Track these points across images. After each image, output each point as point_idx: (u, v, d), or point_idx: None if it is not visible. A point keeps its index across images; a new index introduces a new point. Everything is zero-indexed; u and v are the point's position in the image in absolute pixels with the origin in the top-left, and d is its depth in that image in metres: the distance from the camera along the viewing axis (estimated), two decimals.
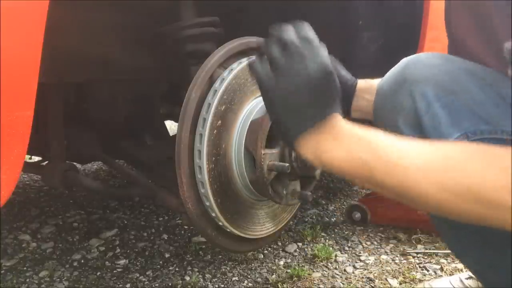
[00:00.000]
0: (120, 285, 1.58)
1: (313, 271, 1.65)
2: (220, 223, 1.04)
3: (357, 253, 1.81)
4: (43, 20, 0.75)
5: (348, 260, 1.75)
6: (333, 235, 1.96)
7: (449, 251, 1.76)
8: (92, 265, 1.71)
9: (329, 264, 1.71)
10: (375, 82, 1.02)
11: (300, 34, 0.77)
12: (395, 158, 0.69)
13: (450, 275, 1.61)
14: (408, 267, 1.68)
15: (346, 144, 0.73)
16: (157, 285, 1.58)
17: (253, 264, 1.71)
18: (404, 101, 0.84)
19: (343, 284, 1.58)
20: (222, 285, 1.56)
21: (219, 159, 1.01)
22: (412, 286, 1.56)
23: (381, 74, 1.67)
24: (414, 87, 0.83)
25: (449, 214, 0.68)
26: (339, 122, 0.76)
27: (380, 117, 0.95)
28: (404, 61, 0.89)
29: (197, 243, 1.85)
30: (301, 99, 0.75)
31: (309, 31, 0.77)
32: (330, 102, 0.76)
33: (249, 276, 1.62)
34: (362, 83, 1.05)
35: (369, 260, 1.75)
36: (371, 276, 1.62)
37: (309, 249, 1.83)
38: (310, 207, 2.25)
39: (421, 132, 0.80)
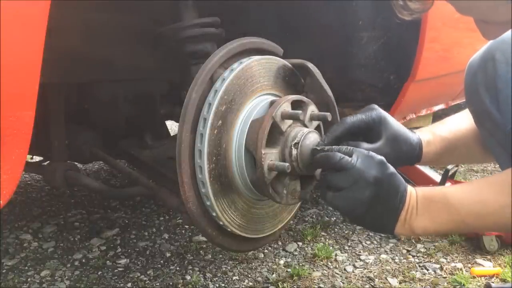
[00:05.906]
0: (121, 284, 1.59)
1: (313, 270, 1.66)
2: (221, 223, 1.05)
3: (357, 253, 1.81)
4: (44, 20, 0.75)
5: (348, 259, 1.75)
6: (333, 235, 1.97)
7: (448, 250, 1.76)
8: (93, 264, 1.72)
9: (329, 263, 1.72)
10: (438, 131, 1.10)
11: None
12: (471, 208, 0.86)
13: (450, 274, 1.62)
14: (408, 266, 1.69)
15: (428, 215, 0.87)
16: (158, 284, 1.58)
17: (253, 263, 1.71)
18: (488, 65, 0.90)
19: (343, 283, 1.58)
20: (223, 284, 1.57)
21: (219, 159, 1.01)
22: (412, 285, 1.56)
23: (381, 74, 1.67)
24: (497, 52, 0.89)
25: None
26: (412, 198, 0.88)
27: (468, 92, 1.00)
28: (490, 41, 0.94)
29: (198, 243, 1.86)
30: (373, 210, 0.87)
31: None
32: (394, 194, 0.87)
33: (249, 275, 1.63)
34: (426, 136, 1.09)
35: (369, 259, 1.75)
36: (371, 275, 1.63)
37: (309, 248, 1.83)
38: (310, 207, 2.25)
39: (496, 94, 0.88)
